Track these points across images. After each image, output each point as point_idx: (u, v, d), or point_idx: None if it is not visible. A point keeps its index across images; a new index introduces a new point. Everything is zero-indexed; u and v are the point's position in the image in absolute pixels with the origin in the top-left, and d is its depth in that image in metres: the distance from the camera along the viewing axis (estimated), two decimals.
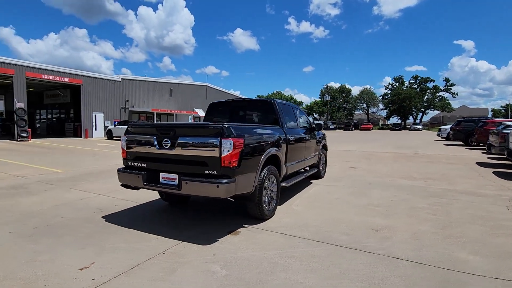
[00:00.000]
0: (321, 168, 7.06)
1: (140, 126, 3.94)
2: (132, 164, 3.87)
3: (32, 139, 19.05)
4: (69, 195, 5.36)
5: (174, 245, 3.16)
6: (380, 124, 78.08)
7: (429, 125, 71.64)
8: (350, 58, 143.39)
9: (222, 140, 3.16)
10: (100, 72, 27.80)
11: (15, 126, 18.40)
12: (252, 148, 3.58)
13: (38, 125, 29.56)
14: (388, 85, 69.26)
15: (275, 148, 4.18)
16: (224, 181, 3.14)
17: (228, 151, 3.16)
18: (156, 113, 28.08)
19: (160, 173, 3.59)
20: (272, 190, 4.18)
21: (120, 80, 25.56)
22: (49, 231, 3.57)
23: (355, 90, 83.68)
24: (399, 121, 66.09)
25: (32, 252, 2.97)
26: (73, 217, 4.12)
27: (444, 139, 22.38)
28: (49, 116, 28.84)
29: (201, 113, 35.14)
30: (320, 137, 6.89)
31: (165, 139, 3.50)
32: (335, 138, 25.91)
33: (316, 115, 76.59)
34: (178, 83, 32.81)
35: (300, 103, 79.84)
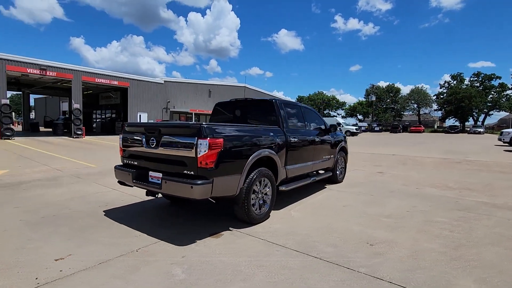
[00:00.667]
0: (338, 172, 6.63)
1: (133, 125, 4.07)
2: (127, 162, 4.02)
3: (86, 137, 21.22)
4: (88, 189, 5.79)
5: (152, 243, 3.19)
6: (435, 127, 71.35)
7: (496, 128, 63.23)
8: (403, 55, 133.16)
9: (199, 140, 3.11)
10: (153, 76, 30.05)
11: (72, 124, 20.68)
12: (235, 149, 3.46)
13: (94, 124, 32.88)
14: (444, 84, 62.99)
15: (269, 150, 4.00)
16: (198, 182, 3.08)
17: (204, 151, 3.09)
18: (195, 113, 29.29)
19: (149, 172, 3.66)
20: (264, 194, 4.01)
21: (163, 82, 27.20)
22: (52, 221, 3.88)
23: (407, 90, 77.32)
24: (457, 123, 59.60)
25: (26, 240, 3.24)
26: (79, 209, 4.42)
27: (506, 144, 19.55)
28: (103, 116, 31.89)
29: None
30: (336, 140, 6.47)
31: (152, 138, 3.56)
32: (376, 141, 24.32)
33: (360, 116, 72.93)
34: (217, 84, 33.81)
35: (343, 104, 76.66)
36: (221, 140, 3.22)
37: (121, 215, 4.20)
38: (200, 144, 3.09)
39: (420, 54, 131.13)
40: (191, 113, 28.91)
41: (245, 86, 38.45)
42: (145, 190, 3.73)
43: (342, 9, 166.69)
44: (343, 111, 75.88)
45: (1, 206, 4.51)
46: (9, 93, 28.28)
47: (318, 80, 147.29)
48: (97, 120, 32.99)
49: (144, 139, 3.67)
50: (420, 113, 67.91)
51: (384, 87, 69.85)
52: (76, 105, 20.89)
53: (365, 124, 58.31)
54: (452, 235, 3.55)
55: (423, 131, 53.44)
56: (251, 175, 3.69)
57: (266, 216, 4.03)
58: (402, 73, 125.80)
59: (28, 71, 18.81)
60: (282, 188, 4.49)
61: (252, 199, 3.77)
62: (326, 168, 6.18)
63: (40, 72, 19.22)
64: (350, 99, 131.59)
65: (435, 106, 64.71)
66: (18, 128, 31.23)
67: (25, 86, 26.94)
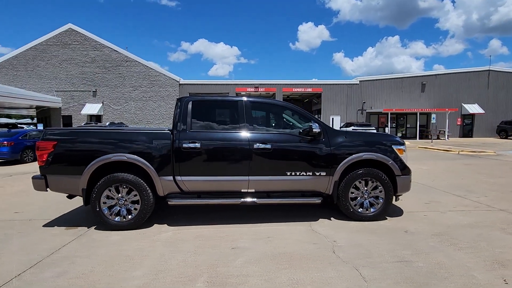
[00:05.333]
0: (357, 202, 4.03)
1: None
2: None
3: None
4: None
5: (28, 219, 4.18)
6: None
7: None
8: None
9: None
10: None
11: None
12: (72, 152, 3.69)
13: None
14: None
15: (130, 155, 3.69)
16: (34, 176, 3.75)
17: (37, 150, 3.70)
18: (391, 113, 24.99)
19: None
20: (131, 202, 3.78)
21: (358, 82, 25.88)
22: None
23: None
24: None
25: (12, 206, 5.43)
26: None
27: None
28: None
29: (474, 109, 26.09)
30: (342, 149, 3.96)
31: None
32: None
33: None
34: (435, 75, 26.64)
35: None
36: (52, 143, 3.65)
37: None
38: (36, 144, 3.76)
39: None
40: (386, 113, 25.10)
41: (489, 70, 27.30)
42: None
43: None
44: None
45: None
46: None
47: None
48: None
49: None
50: None
51: None
52: None
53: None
54: None
55: None
56: (102, 179, 3.70)
57: (132, 226, 3.75)
58: None
59: (248, 90, 25.52)
60: (172, 202, 3.86)
61: (104, 203, 3.73)
62: (310, 191, 4.04)
63: (254, 89, 25.43)
64: None
65: None
66: None
67: None
